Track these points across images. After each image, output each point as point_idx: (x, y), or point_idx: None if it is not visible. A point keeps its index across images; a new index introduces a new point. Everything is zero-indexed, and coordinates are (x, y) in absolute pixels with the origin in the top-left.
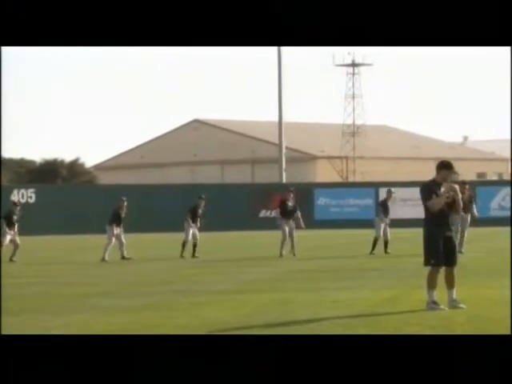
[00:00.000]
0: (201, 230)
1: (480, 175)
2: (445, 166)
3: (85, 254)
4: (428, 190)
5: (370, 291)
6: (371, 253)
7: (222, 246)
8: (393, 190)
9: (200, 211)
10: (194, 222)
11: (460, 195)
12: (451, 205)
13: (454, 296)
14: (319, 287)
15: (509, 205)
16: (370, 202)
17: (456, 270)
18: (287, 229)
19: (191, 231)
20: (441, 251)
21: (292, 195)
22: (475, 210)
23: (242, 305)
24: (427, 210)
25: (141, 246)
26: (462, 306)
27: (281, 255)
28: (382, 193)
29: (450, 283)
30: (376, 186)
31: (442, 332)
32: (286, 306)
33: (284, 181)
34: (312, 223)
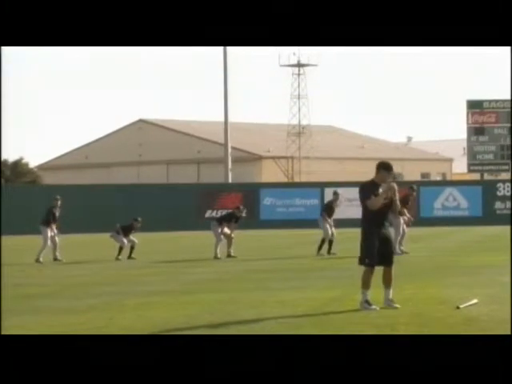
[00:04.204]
0: (146, 230)
1: (424, 175)
2: (384, 167)
3: (29, 255)
4: (367, 189)
5: (315, 291)
6: (318, 253)
7: (167, 247)
8: (339, 192)
9: (133, 231)
10: (126, 236)
11: (397, 195)
12: (389, 205)
13: (391, 296)
14: (264, 287)
15: (452, 205)
16: (315, 202)
17: (394, 270)
18: (223, 230)
19: (125, 239)
20: (375, 251)
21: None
22: (407, 213)
23: (186, 305)
24: (365, 209)
25: (85, 247)
26: (396, 305)
27: (216, 257)
28: (328, 193)
29: (386, 283)
30: (321, 186)
31: (386, 331)
32: (231, 306)
33: (230, 181)
34: (258, 223)
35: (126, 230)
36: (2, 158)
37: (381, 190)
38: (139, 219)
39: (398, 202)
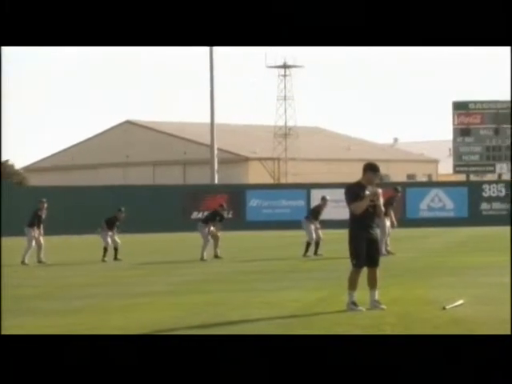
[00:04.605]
0: (132, 231)
1: (410, 176)
2: (371, 169)
3: (14, 257)
4: (352, 191)
5: (301, 292)
6: (304, 255)
7: (153, 248)
8: (328, 197)
9: (118, 223)
10: (111, 229)
11: (381, 200)
12: (374, 207)
13: (376, 297)
14: (251, 288)
15: (438, 206)
16: (301, 203)
17: (379, 272)
18: (210, 230)
19: (109, 238)
20: (363, 253)
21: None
22: (392, 215)
23: (173, 306)
24: (351, 211)
25: (72, 248)
26: (383, 306)
27: (202, 258)
28: (314, 194)
29: (372, 284)
30: (308, 187)
31: (372, 332)
32: (218, 307)
33: (216, 182)
34: (244, 224)
35: (111, 223)
36: None
37: (367, 193)
38: (122, 209)
39: (382, 207)
